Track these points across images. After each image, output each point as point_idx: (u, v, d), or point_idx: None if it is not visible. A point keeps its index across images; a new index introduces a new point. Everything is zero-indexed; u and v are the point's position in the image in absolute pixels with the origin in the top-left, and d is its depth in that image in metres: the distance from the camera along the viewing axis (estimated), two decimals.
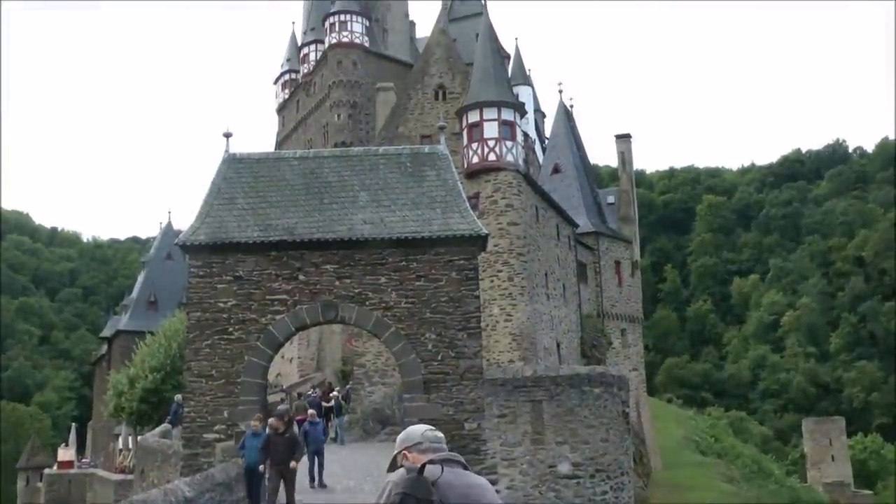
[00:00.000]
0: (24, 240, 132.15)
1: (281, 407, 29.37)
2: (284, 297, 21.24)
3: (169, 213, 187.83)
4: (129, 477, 35.89)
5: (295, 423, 28.58)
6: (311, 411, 20.99)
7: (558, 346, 41.86)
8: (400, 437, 4.37)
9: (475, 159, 38.48)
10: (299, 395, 34.06)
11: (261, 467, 16.25)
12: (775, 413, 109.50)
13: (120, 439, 51.78)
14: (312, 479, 18.86)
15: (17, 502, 64.93)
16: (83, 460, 57.07)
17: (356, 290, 21.12)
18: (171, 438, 25.96)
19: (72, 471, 51.72)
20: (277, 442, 16.18)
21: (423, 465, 4.01)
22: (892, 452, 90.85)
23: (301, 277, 21.24)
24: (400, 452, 4.23)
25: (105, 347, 69.75)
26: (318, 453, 19.11)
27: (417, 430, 4.30)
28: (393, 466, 4.24)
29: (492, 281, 36.45)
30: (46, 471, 54.38)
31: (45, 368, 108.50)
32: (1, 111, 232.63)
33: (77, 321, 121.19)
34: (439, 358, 20.83)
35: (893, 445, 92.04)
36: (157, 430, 29.33)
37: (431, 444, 4.24)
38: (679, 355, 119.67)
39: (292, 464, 16.13)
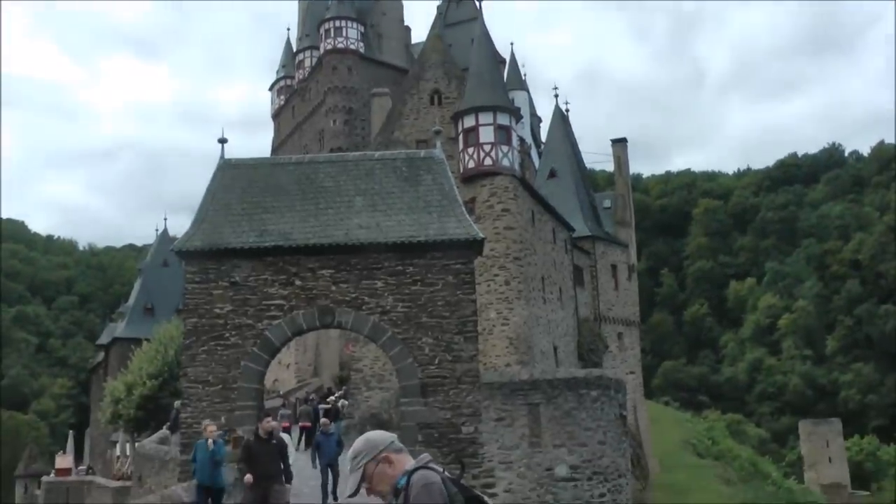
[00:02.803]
0: (19, 248, 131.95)
1: (283, 411, 29.21)
2: (281, 302, 21.28)
3: (165, 219, 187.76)
4: (128, 484, 35.81)
5: (298, 428, 28.26)
6: (323, 420, 20.35)
7: (555, 349, 41.92)
8: (363, 445, 4.19)
9: (471, 164, 38.57)
10: (304, 399, 33.87)
11: (247, 477, 13.31)
12: (772, 415, 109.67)
13: (117, 446, 51.66)
14: (326, 496, 17.65)
15: None
16: (81, 467, 56.91)
17: (353, 295, 21.17)
18: (169, 445, 25.95)
19: (70, 478, 51.53)
20: (262, 451, 13.14)
21: (426, 467, 4.03)
22: (888, 454, 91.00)
23: (297, 283, 21.28)
24: (381, 455, 4.14)
25: (102, 355, 69.64)
26: (331, 466, 17.86)
27: (381, 434, 4.26)
28: (375, 475, 4.10)
29: (488, 285, 36.51)
30: (44, 478, 54.23)
31: (42, 376, 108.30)
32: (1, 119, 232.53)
33: (74, 329, 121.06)
34: (436, 362, 20.87)
35: (890, 446, 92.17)
36: (155, 436, 29.32)
37: (397, 444, 4.23)
38: (676, 359, 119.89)
39: (287, 488, 13.19)
